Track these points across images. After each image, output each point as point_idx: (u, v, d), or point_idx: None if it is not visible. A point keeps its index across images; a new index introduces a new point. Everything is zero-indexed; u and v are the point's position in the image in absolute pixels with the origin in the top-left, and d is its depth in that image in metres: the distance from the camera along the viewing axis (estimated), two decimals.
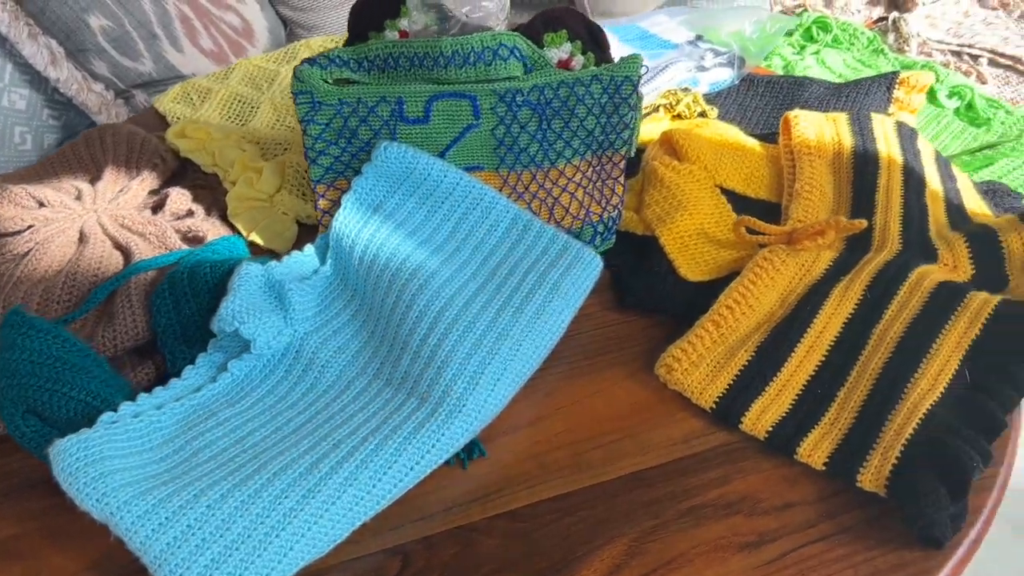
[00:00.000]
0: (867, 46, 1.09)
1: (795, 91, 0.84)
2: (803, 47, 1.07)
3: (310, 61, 0.59)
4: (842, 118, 0.74)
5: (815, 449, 0.51)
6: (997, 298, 0.55)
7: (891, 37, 1.10)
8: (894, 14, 1.13)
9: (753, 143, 0.75)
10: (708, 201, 0.69)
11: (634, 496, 0.51)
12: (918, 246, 0.62)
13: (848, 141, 0.71)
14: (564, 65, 0.64)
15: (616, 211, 0.67)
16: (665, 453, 0.54)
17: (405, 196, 0.61)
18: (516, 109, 0.60)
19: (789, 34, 1.11)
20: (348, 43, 0.64)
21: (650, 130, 0.80)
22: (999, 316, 0.54)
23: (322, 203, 0.62)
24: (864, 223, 0.62)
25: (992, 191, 0.73)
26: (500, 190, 0.63)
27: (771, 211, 0.70)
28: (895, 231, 0.63)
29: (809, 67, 0.99)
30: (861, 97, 0.80)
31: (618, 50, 0.87)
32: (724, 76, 0.84)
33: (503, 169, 0.62)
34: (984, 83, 1.03)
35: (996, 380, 0.52)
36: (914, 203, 0.66)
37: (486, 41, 0.57)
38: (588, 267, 0.60)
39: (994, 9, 1.17)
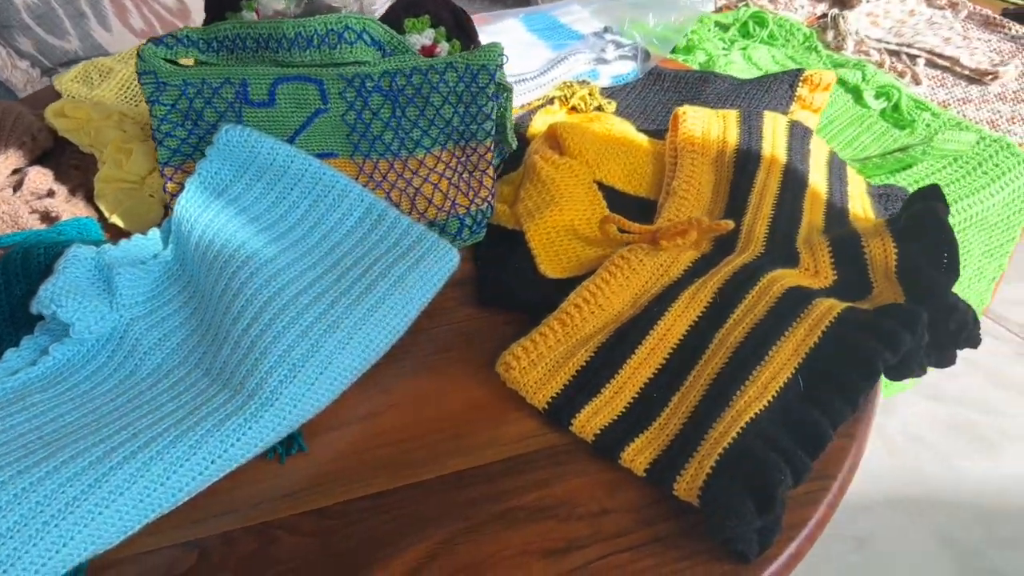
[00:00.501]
0: (802, 43, 1.07)
1: (699, 86, 0.82)
2: (734, 42, 1.05)
3: (156, 40, 0.58)
4: (732, 116, 0.72)
5: (639, 454, 0.50)
6: (843, 306, 0.54)
7: (830, 34, 1.08)
8: (834, 11, 1.11)
9: (641, 139, 0.74)
10: (582, 197, 0.68)
11: (452, 497, 0.50)
12: (781, 250, 0.61)
13: (733, 139, 0.70)
14: (428, 52, 0.63)
15: (486, 204, 0.66)
16: (492, 453, 0.53)
17: (252, 181, 0.60)
18: (366, 95, 0.59)
19: (725, 28, 1.10)
20: (206, 23, 0.63)
21: (543, 122, 0.79)
22: (841, 324, 0.53)
23: (170, 186, 0.61)
24: (730, 224, 0.61)
25: (887, 195, 0.72)
26: (356, 178, 0.62)
27: (650, 209, 0.69)
28: (761, 233, 0.62)
29: (733, 63, 0.97)
30: (761, 94, 0.79)
31: (524, 40, 0.86)
32: (626, 69, 0.82)
33: (358, 156, 0.61)
34: (918, 84, 1.01)
35: (829, 391, 0.50)
36: (788, 205, 0.64)
37: (330, 24, 0.56)
38: (441, 260, 0.59)
39: (941, 8, 1.15)
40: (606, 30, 0.84)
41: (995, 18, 1.12)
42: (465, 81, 0.60)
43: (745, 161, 0.68)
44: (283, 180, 0.60)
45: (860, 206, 0.68)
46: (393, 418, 0.55)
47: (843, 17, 1.07)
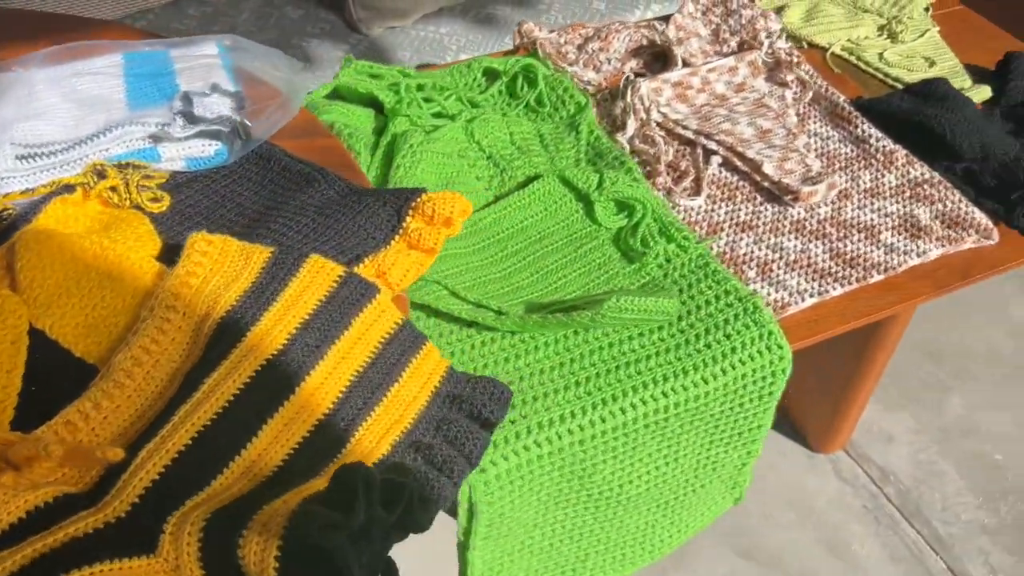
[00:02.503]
0: (571, 115, 0.85)
1: (296, 189, 0.60)
2: (475, 103, 0.83)
3: None
4: (262, 256, 0.52)
5: None
6: None
7: (618, 106, 0.86)
8: (629, 75, 0.89)
9: (145, 271, 0.54)
10: None
11: None
12: (146, 520, 0.41)
13: (232, 298, 0.50)
14: None
15: None
16: None
17: None
18: None
19: (494, 78, 0.88)
20: None
21: (58, 218, 0.59)
22: None
23: None
24: (116, 454, 0.42)
25: (458, 398, 0.51)
26: None
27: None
28: (147, 477, 0.42)
29: (437, 140, 0.75)
30: (351, 218, 0.58)
31: (101, 91, 0.66)
32: (208, 151, 0.62)
33: None
34: (697, 194, 0.79)
35: None
36: (229, 427, 0.45)
37: None
38: None
39: (783, 86, 0.92)
40: (214, 89, 0.64)
41: (844, 109, 0.89)
42: None
43: (219, 339, 0.48)
44: None
45: (378, 431, 0.48)
46: None
47: (634, 86, 0.85)
